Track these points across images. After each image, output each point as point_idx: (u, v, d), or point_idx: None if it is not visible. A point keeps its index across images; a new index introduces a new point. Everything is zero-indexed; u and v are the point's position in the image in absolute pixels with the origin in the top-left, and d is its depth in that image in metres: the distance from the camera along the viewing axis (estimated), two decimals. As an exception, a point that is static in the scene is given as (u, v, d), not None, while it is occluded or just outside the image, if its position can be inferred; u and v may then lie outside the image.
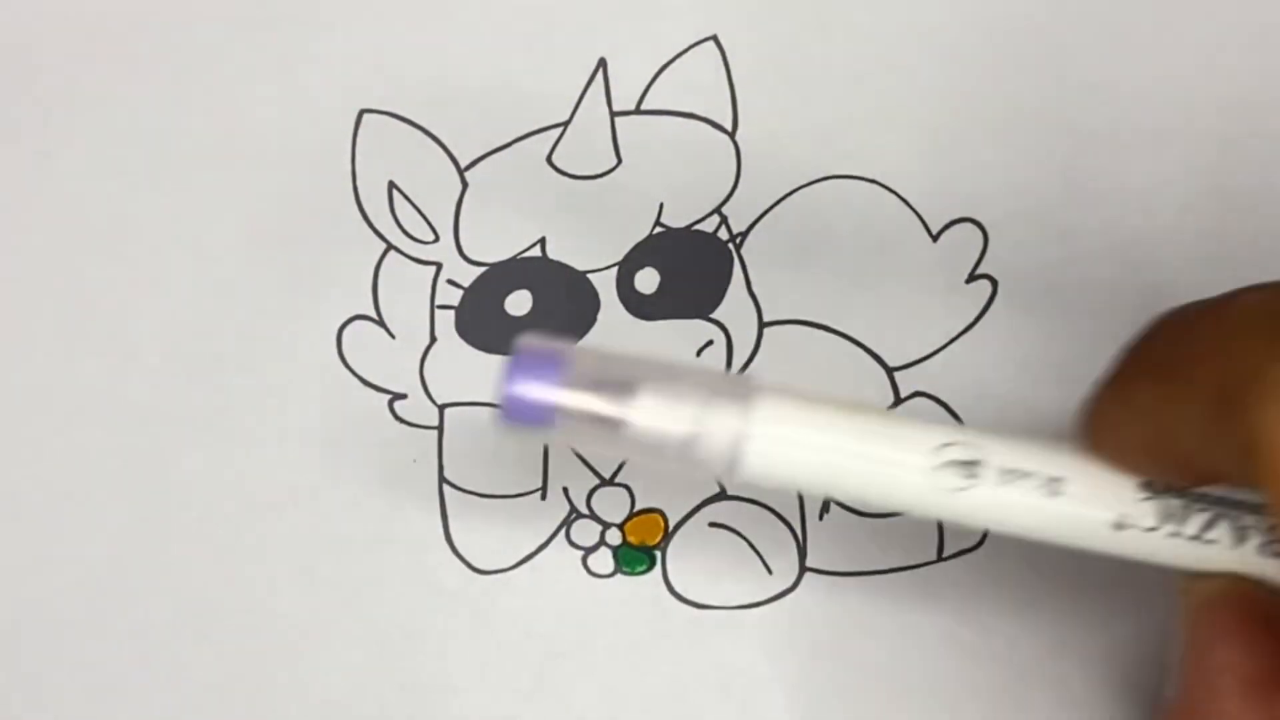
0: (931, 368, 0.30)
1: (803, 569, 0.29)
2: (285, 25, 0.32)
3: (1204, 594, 0.21)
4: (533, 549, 0.29)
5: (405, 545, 0.29)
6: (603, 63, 0.32)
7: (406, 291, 0.31)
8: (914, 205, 0.31)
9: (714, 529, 0.29)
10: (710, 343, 0.30)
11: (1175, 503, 0.21)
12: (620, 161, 0.31)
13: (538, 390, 0.20)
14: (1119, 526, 0.21)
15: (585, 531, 0.29)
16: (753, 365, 0.30)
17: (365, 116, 0.31)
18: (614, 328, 0.30)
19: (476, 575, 0.29)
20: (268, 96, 0.32)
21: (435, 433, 0.30)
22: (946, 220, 0.31)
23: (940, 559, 0.29)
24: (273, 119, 0.31)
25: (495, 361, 0.30)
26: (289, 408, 0.30)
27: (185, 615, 0.29)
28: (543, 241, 0.31)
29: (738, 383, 0.21)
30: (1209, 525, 0.20)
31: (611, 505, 0.29)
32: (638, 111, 0.31)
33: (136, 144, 0.31)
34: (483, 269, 0.31)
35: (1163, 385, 0.19)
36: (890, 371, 0.30)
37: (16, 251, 0.31)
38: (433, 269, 0.31)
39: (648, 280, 0.31)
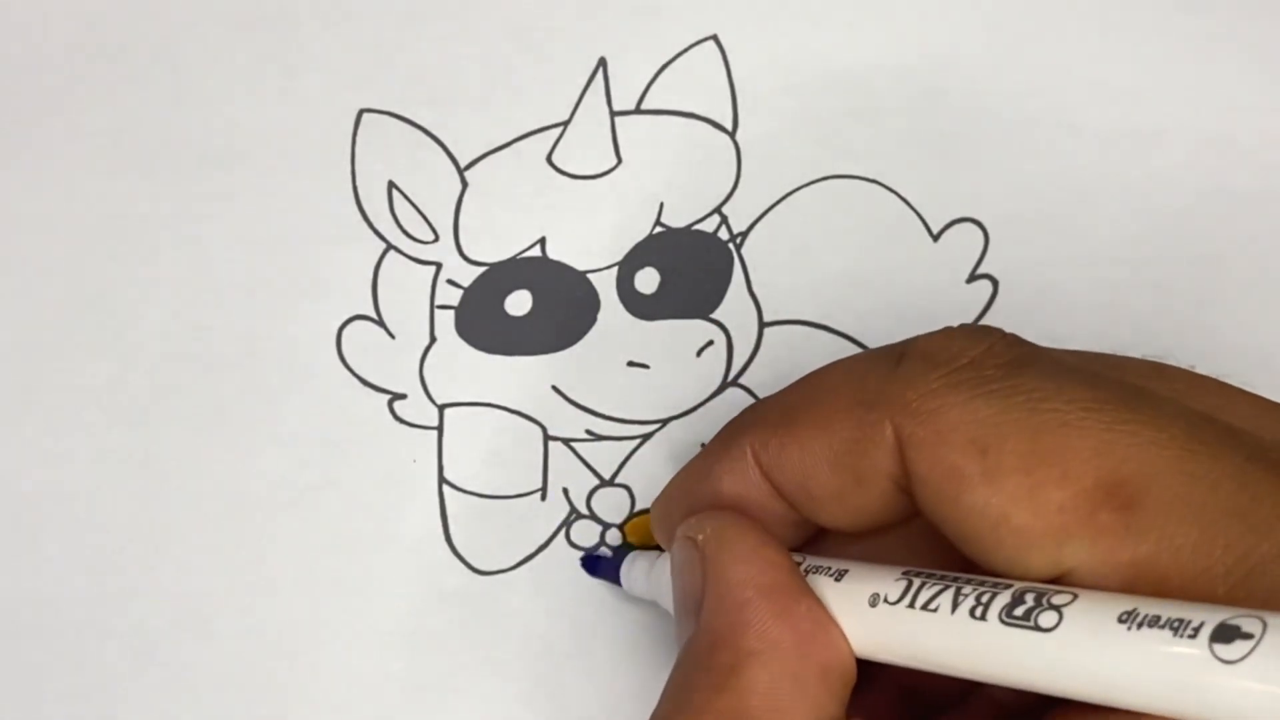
0: (931, 368, 0.30)
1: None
2: (285, 25, 0.32)
3: (716, 527, 0.23)
4: (533, 549, 0.29)
5: (405, 545, 0.29)
6: (603, 63, 0.32)
7: (406, 291, 0.31)
8: (914, 205, 0.31)
9: (714, 529, 0.29)
10: (710, 343, 0.30)
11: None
12: (620, 161, 0.31)
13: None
14: None
15: (585, 532, 0.29)
16: (753, 365, 0.30)
17: (365, 116, 0.31)
18: (614, 328, 0.30)
19: (476, 575, 0.29)
20: (268, 96, 0.32)
21: (435, 433, 0.30)
22: (946, 220, 0.31)
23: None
24: (273, 119, 0.31)
25: (495, 361, 0.30)
26: (289, 408, 0.30)
27: (185, 615, 0.29)
28: (543, 241, 0.31)
29: None
30: (937, 595, 0.20)
31: (611, 506, 0.29)
32: (638, 111, 0.31)
33: (136, 144, 0.31)
34: (483, 269, 0.31)
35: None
36: (890, 371, 0.30)
37: (17, 251, 0.31)
38: (432, 269, 0.31)
39: (648, 280, 0.31)
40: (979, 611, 0.19)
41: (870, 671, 0.21)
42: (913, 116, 0.31)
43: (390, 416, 0.30)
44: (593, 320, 0.30)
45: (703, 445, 0.30)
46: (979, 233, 0.31)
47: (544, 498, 0.30)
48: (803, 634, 0.21)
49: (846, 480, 0.22)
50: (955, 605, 0.19)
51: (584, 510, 0.29)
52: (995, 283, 0.30)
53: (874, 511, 0.22)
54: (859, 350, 0.30)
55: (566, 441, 0.30)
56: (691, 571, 0.23)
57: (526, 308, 0.30)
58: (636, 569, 0.27)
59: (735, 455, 0.23)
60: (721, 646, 0.21)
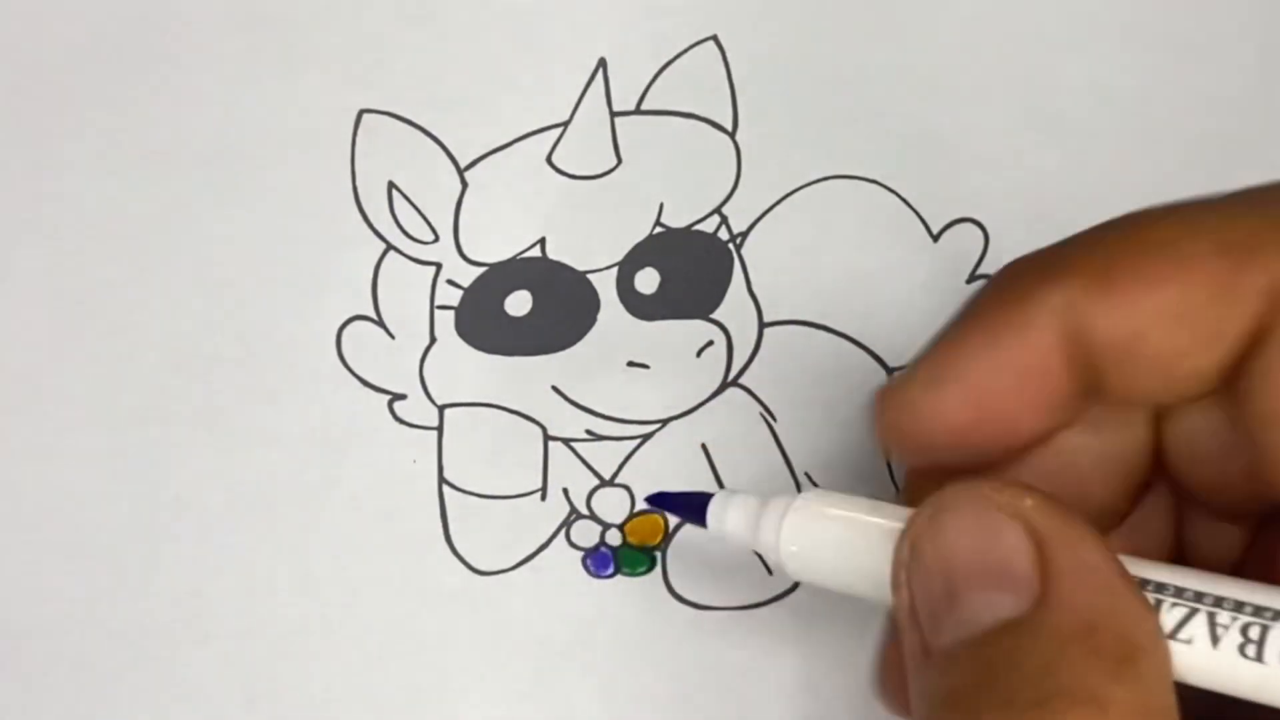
0: (931, 368, 0.30)
1: (803, 569, 0.29)
2: (285, 25, 0.32)
3: (1049, 510, 0.19)
4: (533, 549, 0.29)
5: (405, 545, 0.29)
6: (603, 63, 0.32)
7: (406, 291, 0.31)
8: (914, 205, 0.31)
9: (714, 529, 0.29)
10: (710, 343, 0.30)
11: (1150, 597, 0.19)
12: (620, 161, 0.31)
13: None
14: None
15: (585, 532, 0.29)
16: (753, 365, 0.30)
17: (365, 116, 0.31)
18: (614, 328, 0.30)
19: (476, 576, 0.29)
20: (268, 96, 0.32)
21: (435, 433, 0.30)
22: (946, 220, 0.31)
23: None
24: (273, 119, 0.31)
25: (495, 361, 0.30)
26: (289, 408, 0.30)
27: (185, 615, 0.29)
28: (543, 241, 0.31)
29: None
30: (1183, 623, 0.18)
31: (612, 506, 0.29)
32: (638, 111, 0.31)
33: (136, 144, 0.31)
34: (482, 269, 0.31)
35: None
36: (890, 371, 0.30)
37: (17, 251, 0.31)
38: (432, 269, 0.31)
39: (648, 280, 0.31)
40: (1250, 650, 0.18)
41: None
42: (913, 116, 0.31)
43: (390, 417, 0.30)
44: (593, 320, 0.30)
45: (704, 445, 0.30)
46: (979, 233, 0.31)
47: (544, 498, 0.30)
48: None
49: (1197, 339, 0.19)
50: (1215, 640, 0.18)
51: (584, 510, 0.29)
52: (995, 283, 0.30)
53: (1202, 380, 0.19)
54: (858, 350, 0.30)
55: (566, 441, 0.30)
56: (1000, 536, 0.19)
57: (526, 308, 0.30)
58: (736, 509, 0.23)
59: (1032, 313, 0.20)
60: (1104, 630, 0.18)
